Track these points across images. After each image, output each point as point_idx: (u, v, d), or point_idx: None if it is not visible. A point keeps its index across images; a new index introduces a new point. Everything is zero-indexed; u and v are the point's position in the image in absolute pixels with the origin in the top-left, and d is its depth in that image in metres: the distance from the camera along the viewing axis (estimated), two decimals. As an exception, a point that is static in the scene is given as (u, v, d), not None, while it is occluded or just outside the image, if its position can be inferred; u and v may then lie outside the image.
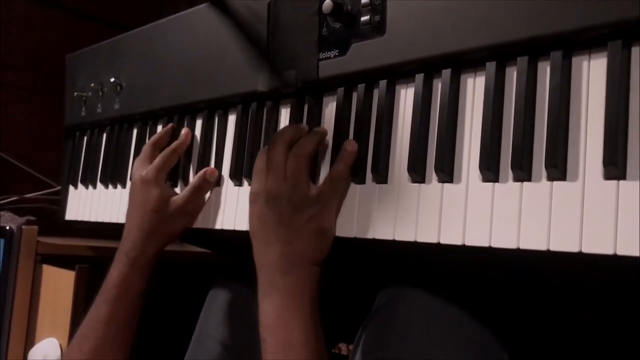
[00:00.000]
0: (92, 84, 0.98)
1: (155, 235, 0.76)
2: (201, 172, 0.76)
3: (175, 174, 0.82)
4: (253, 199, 0.64)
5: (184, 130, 0.82)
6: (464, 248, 0.52)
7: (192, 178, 0.79)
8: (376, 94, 0.61)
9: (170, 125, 0.85)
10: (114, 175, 0.94)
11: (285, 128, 0.66)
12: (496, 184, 0.51)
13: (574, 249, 0.45)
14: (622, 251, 0.43)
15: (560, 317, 0.67)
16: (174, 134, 0.84)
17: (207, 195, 0.78)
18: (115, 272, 0.75)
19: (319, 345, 0.58)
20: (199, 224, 0.78)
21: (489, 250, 0.50)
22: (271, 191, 0.61)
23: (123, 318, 0.75)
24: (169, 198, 0.76)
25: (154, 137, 0.83)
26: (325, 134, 0.65)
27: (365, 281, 0.75)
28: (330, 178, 0.61)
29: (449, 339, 0.57)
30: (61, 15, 1.50)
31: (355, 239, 0.60)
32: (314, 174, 0.65)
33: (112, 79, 0.94)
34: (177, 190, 0.81)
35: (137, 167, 0.80)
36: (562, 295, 0.66)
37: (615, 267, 0.46)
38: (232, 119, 0.78)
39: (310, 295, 0.60)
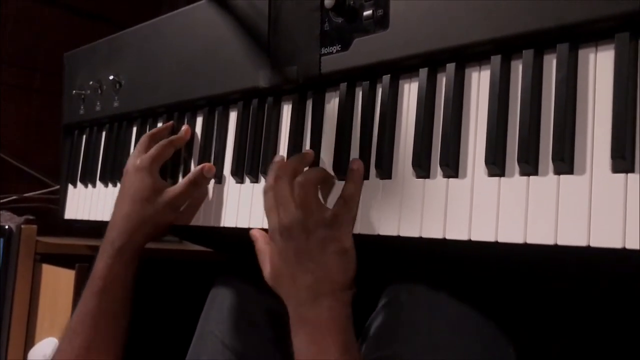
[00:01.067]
0: (91, 82, 0.98)
1: (143, 226, 0.75)
2: (199, 167, 0.76)
3: (175, 170, 0.81)
4: (271, 237, 0.62)
5: (184, 127, 0.82)
6: (469, 243, 0.51)
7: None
8: (379, 89, 0.61)
9: (170, 122, 0.84)
10: (114, 174, 0.93)
11: (287, 162, 0.64)
12: (502, 178, 0.50)
13: (581, 243, 0.45)
14: (630, 245, 0.42)
15: (565, 312, 0.67)
16: (173, 132, 0.83)
17: (210, 193, 0.77)
18: (100, 264, 0.74)
19: None
20: (199, 222, 0.78)
21: (495, 246, 0.50)
22: (284, 224, 0.59)
23: (112, 310, 0.73)
24: (162, 189, 0.76)
25: (153, 130, 0.83)
26: (328, 174, 0.64)
27: (370, 278, 0.75)
28: (343, 199, 0.60)
29: (455, 335, 0.57)
30: (59, 13, 1.49)
31: (359, 235, 0.60)
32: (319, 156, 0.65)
33: (111, 77, 0.93)
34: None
35: (132, 157, 0.79)
36: (568, 289, 0.66)
37: (622, 261, 0.46)
38: (233, 116, 0.77)
39: (342, 325, 0.57)
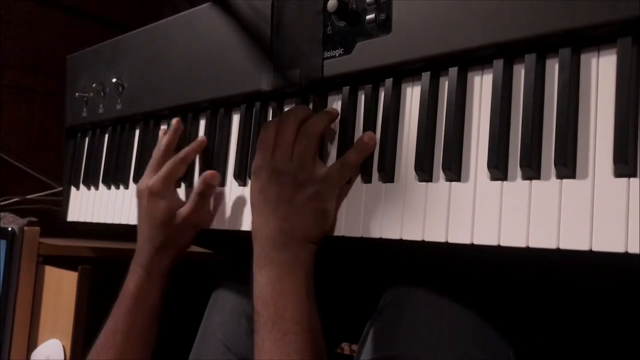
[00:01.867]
0: (94, 85, 0.98)
1: (166, 248, 0.75)
2: (201, 177, 0.74)
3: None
4: (256, 171, 0.63)
5: (199, 138, 0.80)
6: (472, 247, 0.52)
7: (196, 178, 0.79)
8: (382, 92, 0.61)
9: (176, 121, 0.81)
10: (116, 176, 0.93)
11: (298, 107, 0.65)
12: (505, 182, 0.50)
13: (584, 247, 0.45)
14: (633, 249, 0.42)
15: (566, 316, 0.66)
16: (184, 134, 0.82)
17: (212, 196, 0.77)
18: (131, 284, 0.75)
19: (312, 322, 0.58)
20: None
21: (496, 249, 0.50)
22: (277, 167, 0.61)
23: (142, 328, 0.74)
24: (176, 210, 0.75)
25: (163, 143, 0.80)
26: (336, 114, 0.64)
27: (370, 280, 0.75)
28: (341, 163, 0.61)
29: (455, 338, 0.57)
30: (61, 15, 1.49)
31: (361, 238, 0.60)
32: (321, 155, 0.65)
33: (114, 79, 0.94)
34: (182, 191, 0.80)
35: (146, 175, 0.78)
36: (568, 293, 0.66)
37: (623, 266, 0.46)
38: (235, 119, 0.77)
39: (305, 271, 0.60)
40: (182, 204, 0.76)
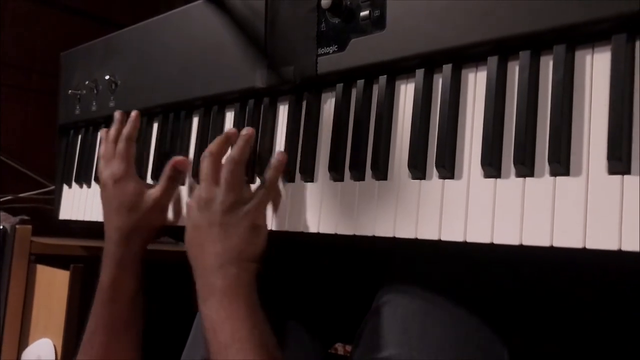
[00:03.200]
0: (87, 82, 0.97)
1: (135, 233, 0.75)
2: (170, 161, 0.76)
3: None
4: (187, 212, 0.66)
5: (132, 113, 0.82)
6: (465, 245, 0.51)
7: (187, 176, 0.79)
8: (376, 89, 0.61)
9: (119, 113, 0.83)
10: (109, 174, 0.92)
11: (212, 144, 0.68)
12: (498, 179, 0.50)
13: (577, 244, 0.45)
14: (627, 247, 0.42)
15: (560, 315, 0.66)
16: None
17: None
18: (104, 277, 0.75)
19: (262, 338, 0.59)
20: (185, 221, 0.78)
21: (490, 247, 0.50)
22: (203, 198, 0.64)
23: (123, 319, 0.74)
24: (144, 192, 0.76)
25: (111, 133, 0.82)
26: (251, 134, 0.68)
27: (363, 280, 0.75)
28: (264, 184, 0.65)
29: (449, 339, 0.57)
30: (55, 13, 1.49)
31: (354, 236, 0.59)
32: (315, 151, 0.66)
33: (107, 77, 0.93)
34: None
35: (103, 168, 0.79)
36: (562, 292, 0.66)
37: (617, 263, 0.46)
38: (229, 116, 0.77)
39: (247, 291, 0.61)
40: (150, 186, 0.77)
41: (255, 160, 0.71)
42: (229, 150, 0.68)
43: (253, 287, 0.62)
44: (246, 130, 0.68)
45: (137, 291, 0.75)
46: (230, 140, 0.69)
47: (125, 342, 0.74)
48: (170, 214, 0.79)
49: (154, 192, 0.76)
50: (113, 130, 0.82)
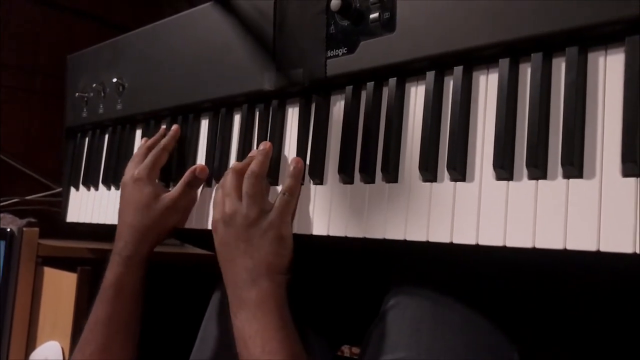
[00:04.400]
0: (94, 85, 0.97)
1: (147, 233, 0.77)
2: (192, 168, 0.78)
3: (179, 174, 0.81)
4: (214, 228, 0.67)
5: (173, 127, 0.83)
6: (476, 248, 0.51)
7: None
8: (385, 92, 0.61)
9: (163, 128, 0.85)
10: (116, 177, 0.93)
11: (234, 163, 0.71)
12: (510, 182, 0.50)
13: (591, 248, 0.44)
14: (642, 249, 0.42)
15: (570, 318, 0.66)
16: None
17: (199, 192, 0.78)
18: (110, 273, 0.76)
19: (292, 347, 0.60)
20: (193, 224, 0.78)
21: (501, 250, 0.50)
22: (227, 213, 0.65)
23: (122, 318, 0.74)
24: (160, 195, 0.77)
25: (149, 141, 0.84)
26: (269, 148, 0.69)
27: (371, 283, 0.74)
28: (284, 192, 0.65)
29: (458, 341, 0.57)
30: (60, 16, 1.49)
31: (364, 239, 0.59)
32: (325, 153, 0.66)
33: (114, 80, 0.93)
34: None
35: (129, 168, 0.81)
36: (573, 295, 0.65)
37: (631, 267, 0.46)
38: (237, 119, 0.77)
39: (278, 303, 0.62)
40: (167, 191, 0.79)
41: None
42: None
43: (284, 300, 0.63)
44: (264, 145, 0.70)
45: (140, 292, 0.76)
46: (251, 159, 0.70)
47: (124, 342, 0.74)
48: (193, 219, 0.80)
49: (169, 195, 0.77)
50: (152, 140, 0.84)
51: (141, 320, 0.77)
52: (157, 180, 0.80)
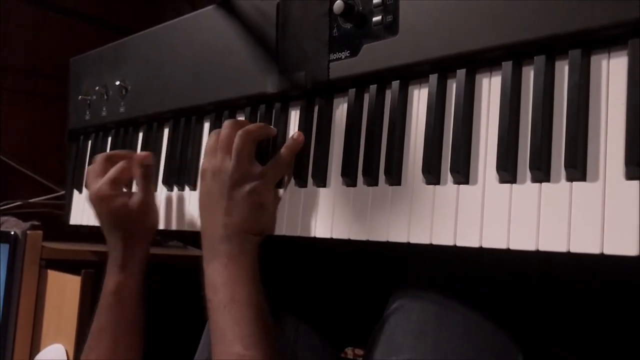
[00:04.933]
0: (97, 87, 0.98)
1: (134, 240, 0.78)
2: (136, 161, 0.80)
3: (185, 177, 0.82)
4: (202, 175, 0.69)
5: (143, 154, 0.83)
6: (480, 250, 0.51)
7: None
8: (388, 94, 0.61)
9: (128, 154, 0.84)
10: (120, 179, 0.93)
11: (238, 119, 0.72)
12: (514, 185, 0.50)
13: (595, 250, 0.44)
14: (646, 252, 0.42)
15: (575, 321, 0.66)
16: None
17: None
18: (109, 281, 0.77)
19: (258, 299, 0.63)
20: (196, 227, 0.78)
21: (505, 253, 0.50)
22: (216, 166, 0.66)
23: (125, 323, 0.76)
24: (127, 203, 0.78)
25: (109, 153, 0.85)
26: (274, 132, 0.70)
27: (376, 284, 0.74)
28: (275, 160, 0.67)
29: (462, 343, 0.56)
30: (62, 18, 1.49)
31: (367, 241, 0.59)
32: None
33: (117, 82, 0.93)
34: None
35: (91, 181, 0.81)
36: (578, 298, 0.65)
37: (634, 271, 0.46)
38: (240, 121, 0.77)
39: (249, 258, 0.65)
40: (132, 194, 0.80)
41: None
42: None
43: (255, 256, 0.65)
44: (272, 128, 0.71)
45: (140, 296, 0.78)
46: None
47: (128, 346, 0.76)
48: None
49: (135, 197, 0.79)
50: (112, 153, 0.85)
51: (144, 324, 0.78)
52: (120, 190, 0.80)
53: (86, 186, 0.85)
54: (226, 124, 0.68)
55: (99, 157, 0.83)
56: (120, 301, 0.76)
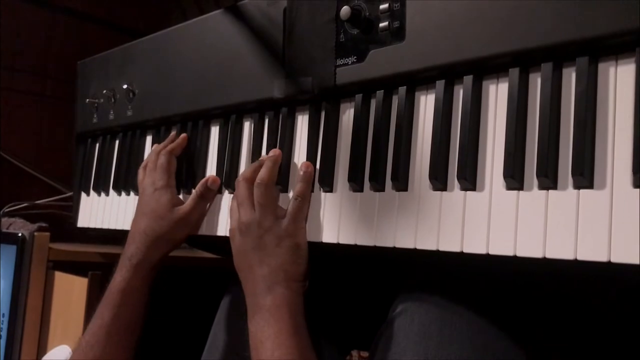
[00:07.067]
0: (104, 91, 0.98)
1: (158, 242, 0.78)
2: (203, 180, 0.79)
3: (190, 180, 0.82)
4: (231, 236, 0.69)
5: (182, 135, 0.84)
6: (486, 257, 0.51)
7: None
8: (395, 100, 0.61)
9: (173, 134, 0.86)
10: (127, 182, 0.93)
11: (245, 170, 0.71)
12: (521, 192, 0.50)
13: (602, 258, 0.44)
14: (653, 261, 0.42)
15: (578, 326, 0.66)
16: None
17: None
18: (118, 278, 0.76)
19: (304, 352, 0.60)
20: (204, 230, 0.79)
21: (512, 259, 0.50)
22: (243, 222, 0.67)
23: (126, 324, 0.75)
24: (176, 206, 0.78)
25: (160, 146, 0.85)
26: (278, 155, 0.70)
27: (380, 288, 0.75)
28: (295, 197, 0.66)
29: (466, 347, 0.57)
30: (70, 21, 1.50)
31: (374, 247, 0.60)
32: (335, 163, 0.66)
33: (125, 86, 0.94)
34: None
35: (148, 176, 0.82)
36: (582, 303, 0.65)
37: (638, 275, 0.46)
38: (247, 126, 0.77)
39: (292, 310, 0.62)
40: (182, 202, 0.80)
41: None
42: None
43: (299, 307, 0.63)
44: (273, 152, 0.71)
45: (146, 298, 0.77)
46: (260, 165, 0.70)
47: (126, 347, 0.75)
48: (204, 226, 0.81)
49: (183, 208, 0.78)
50: (162, 145, 0.85)
51: (143, 326, 0.77)
52: (173, 187, 0.81)
53: (137, 181, 0.86)
54: (240, 181, 0.69)
55: (153, 151, 0.84)
56: (125, 301, 0.75)
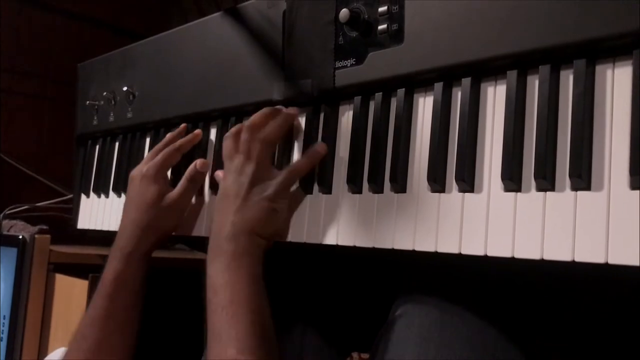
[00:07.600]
0: (105, 93, 0.98)
1: (150, 230, 0.77)
2: (192, 164, 0.78)
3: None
4: (223, 177, 0.69)
5: (196, 131, 0.83)
6: (485, 259, 0.51)
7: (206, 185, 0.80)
8: (394, 102, 0.61)
9: (183, 125, 0.85)
10: (127, 184, 0.93)
11: (254, 115, 0.70)
12: (518, 194, 0.50)
13: (600, 260, 0.44)
14: (650, 262, 0.42)
15: (578, 328, 0.66)
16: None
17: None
18: (110, 269, 0.75)
19: (258, 304, 0.62)
20: (202, 231, 0.79)
21: (508, 260, 0.50)
22: (237, 169, 0.67)
23: (121, 315, 0.74)
24: (165, 194, 0.78)
25: (165, 139, 0.84)
26: (293, 115, 0.70)
27: (380, 290, 0.75)
28: (289, 169, 0.67)
29: (466, 350, 0.57)
30: (70, 23, 1.50)
31: (373, 249, 0.60)
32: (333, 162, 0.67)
33: (125, 88, 0.94)
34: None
35: (140, 165, 0.81)
36: (581, 305, 0.65)
37: (637, 277, 0.46)
38: (246, 128, 0.77)
39: (253, 260, 0.64)
40: (172, 189, 0.79)
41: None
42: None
43: (259, 260, 0.65)
44: (293, 110, 0.70)
45: (140, 289, 0.76)
46: (269, 118, 0.70)
47: (121, 340, 0.74)
48: (186, 224, 0.80)
49: (173, 193, 0.78)
50: (168, 139, 0.84)
51: (139, 323, 0.76)
52: (165, 179, 0.80)
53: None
54: (245, 127, 0.68)
55: (155, 148, 0.83)
56: (118, 292, 0.74)
